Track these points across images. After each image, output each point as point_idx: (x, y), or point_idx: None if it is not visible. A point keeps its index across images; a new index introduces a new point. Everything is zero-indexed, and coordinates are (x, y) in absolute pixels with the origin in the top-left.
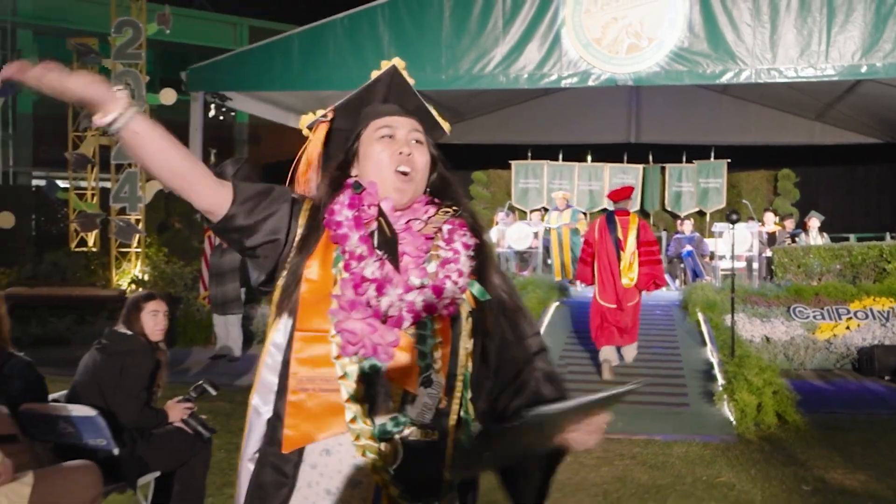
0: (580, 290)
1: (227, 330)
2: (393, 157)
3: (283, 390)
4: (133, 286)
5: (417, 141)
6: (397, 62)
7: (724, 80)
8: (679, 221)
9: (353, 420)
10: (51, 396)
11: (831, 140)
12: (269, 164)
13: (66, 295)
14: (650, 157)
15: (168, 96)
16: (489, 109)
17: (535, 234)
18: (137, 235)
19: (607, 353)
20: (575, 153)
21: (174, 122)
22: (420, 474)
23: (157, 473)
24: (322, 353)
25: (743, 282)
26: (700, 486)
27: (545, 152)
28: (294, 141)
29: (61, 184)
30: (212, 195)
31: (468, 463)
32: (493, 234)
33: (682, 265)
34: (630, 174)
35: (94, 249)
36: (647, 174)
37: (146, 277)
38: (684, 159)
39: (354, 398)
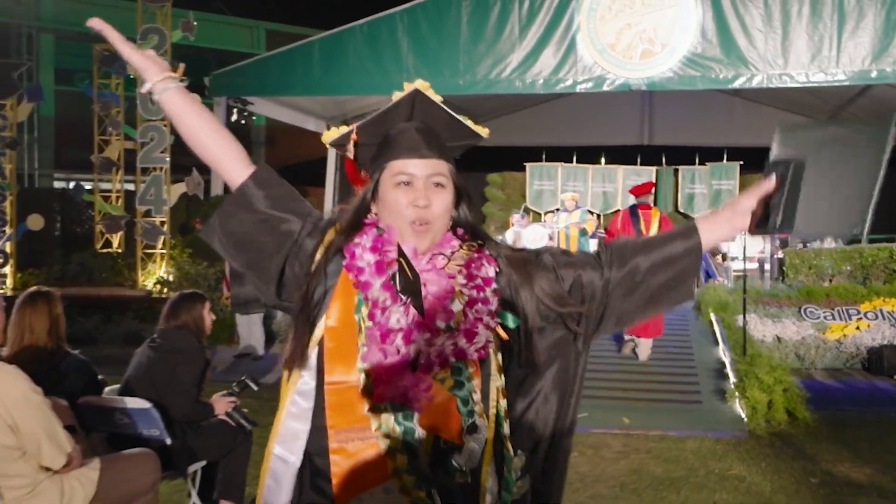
0: None
1: (250, 329)
2: (409, 207)
3: (319, 442)
4: (159, 287)
5: (438, 184)
6: (420, 84)
7: (737, 84)
8: None
9: (396, 471)
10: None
11: None
12: (285, 166)
13: (94, 295)
14: (663, 159)
15: None
16: (504, 112)
17: (550, 236)
18: (162, 237)
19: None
20: (589, 155)
21: None
22: None
23: (203, 463)
24: (355, 403)
25: (755, 283)
26: (712, 478)
27: (559, 154)
28: (309, 143)
29: (84, 186)
30: (235, 174)
31: None
32: (508, 236)
33: None
34: (643, 176)
35: (118, 251)
36: (661, 176)
37: (171, 278)
38: (697, 161)
39: (394, 449)
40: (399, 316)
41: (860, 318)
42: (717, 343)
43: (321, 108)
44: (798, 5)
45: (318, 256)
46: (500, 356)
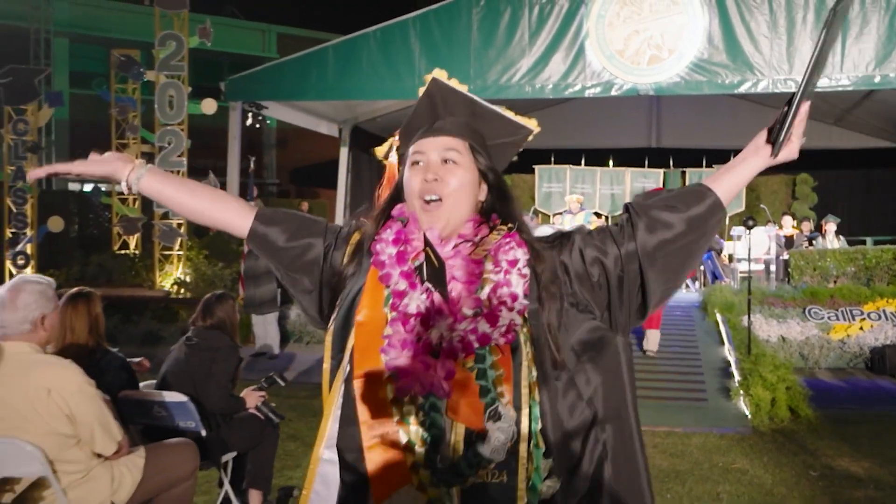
0: None
1: (266, 329)
2: (420, 184)
3: (352, 440)
4: (176, 287)
5: (451, 161)
6: (437, 72)
7: (742, 89)
8: None
9: (414, 466)
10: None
11: (848, 144)
12: (297, 168)
13: (113, 295)
14: (671, 162)
15: (209, 106)
16: None
17: None
18: (180, 239)
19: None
20: (597, 158)
21: (212, 129)
22: None
23: (234, 453)
24: (382, 396)
25: (760, 284)
26: (716, 471)
27: (568, 157)
28: (320, 145)
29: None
30: (237, 225)
31: None
32: None
33: (701, 267)
34: (651, 178)
35: (136, 252)
36: (668, 178)
37: (188, 279)
38: (704, 164)
39: (415, 442)
40: (418, 302)
41: (863, 319)
42: (722, 343)
43: (333, 112)
44: (803, 12)
45: (345, 261)
46: (530, 347)
